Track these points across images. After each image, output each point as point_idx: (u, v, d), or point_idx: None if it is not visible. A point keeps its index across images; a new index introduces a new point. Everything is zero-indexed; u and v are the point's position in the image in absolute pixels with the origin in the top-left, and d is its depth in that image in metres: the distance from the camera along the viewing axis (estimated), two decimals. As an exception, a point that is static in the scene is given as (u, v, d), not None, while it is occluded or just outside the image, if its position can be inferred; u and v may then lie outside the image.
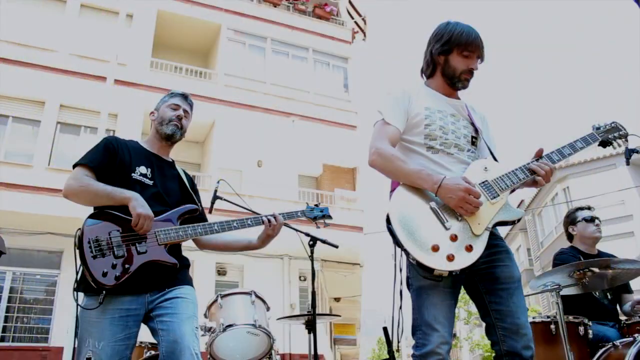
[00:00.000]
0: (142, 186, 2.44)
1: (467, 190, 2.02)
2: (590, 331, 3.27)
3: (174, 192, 2.57)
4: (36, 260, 11.76)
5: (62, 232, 10.65)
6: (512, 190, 2.21)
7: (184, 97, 2.73)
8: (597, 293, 3.67)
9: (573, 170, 23.06)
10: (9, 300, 11.49)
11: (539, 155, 2.25)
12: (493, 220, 2.10)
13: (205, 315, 3.90)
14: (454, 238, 2.02)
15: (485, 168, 2.21)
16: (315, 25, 16.38)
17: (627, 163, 2.88)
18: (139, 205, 2.28)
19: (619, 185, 19.17)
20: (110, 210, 2.31)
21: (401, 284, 2.24)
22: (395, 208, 2.08)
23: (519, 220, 2.18)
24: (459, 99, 2.42)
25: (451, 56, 2.31)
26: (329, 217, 2.93)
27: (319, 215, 2.90)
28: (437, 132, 2.25)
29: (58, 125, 12.66)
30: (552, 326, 3.22)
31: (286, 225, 3.54)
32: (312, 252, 3.49)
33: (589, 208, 3.95)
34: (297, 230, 3.52)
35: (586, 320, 3.28)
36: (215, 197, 3.19)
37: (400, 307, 2.22)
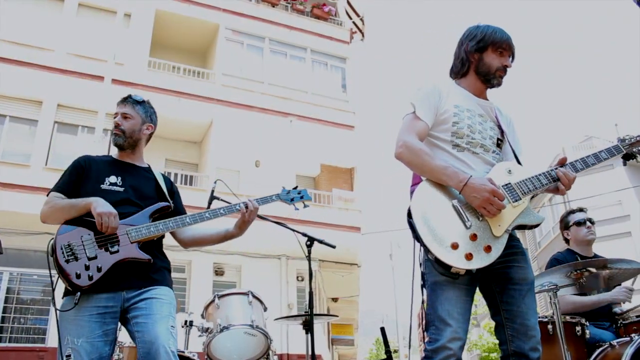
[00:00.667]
0: (113, 194, 2.50)
1: (492, 192, 2.05)
2: (587, 331, 3.27)
3: (148, 195, 2.60)
4: (33, 261, 11.72)
5: (60, 232, 10.60)
6: (534, 195, 2.22)
7: (124, 99, 2.74)
8: (593, 293, 3.67)
9: (570, 171, 23.06)
10: (6, 300, 11.46)
11: (561, 163, 2.27)
12: (514, 223, 2.12)
13: (202, 316, 3.90)
14: (473, 237, 2.04)
15: (509, 171, 2.23)
16: (314, 25, 16.37)
17: (624, 163, 2.88)
18: (98, 205, 2.34)
19: (617, 186, 19.21)
20: (82, 217, 2.38)
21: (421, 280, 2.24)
22: (418, 203, 2.10)
23: (538, 224, 2.19)
24: (487, 99, 2.44)
25: (486, 54, 2.35)
26: (308, 198, 2.89)
27: (296, 197, 2.86)
28: (464, 130, 2.26)
29: (55, 124, 12.64)
30: (550, 326, 3.22)
31: (283, 225, 3.54)
32: (309, 252, 3.49)
33: (580, 210, 3.95)
34: (294, 230, 3.51)
35: (583, 321, 3.29)
36: (212, 197, 3.18)
37: (423, 302, 2.21)
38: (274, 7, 16.09)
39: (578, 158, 2.31)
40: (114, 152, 2.74)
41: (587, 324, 3.31)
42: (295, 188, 2.92)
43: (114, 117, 2.68)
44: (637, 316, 3.36)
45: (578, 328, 3.25)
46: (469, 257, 2.00)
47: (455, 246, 2.01)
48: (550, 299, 3.11)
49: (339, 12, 17.72)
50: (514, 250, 2.20)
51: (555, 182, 2.22)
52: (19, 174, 11.47)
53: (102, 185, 2.51)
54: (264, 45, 15.42)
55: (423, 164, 2.15)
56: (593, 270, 3.07)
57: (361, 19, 18.61)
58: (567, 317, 3.27)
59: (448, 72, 2.52)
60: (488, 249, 2.04)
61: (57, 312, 2.30)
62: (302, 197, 2.87)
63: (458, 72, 2.44)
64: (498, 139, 2.37)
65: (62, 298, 2.36)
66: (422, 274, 2.22)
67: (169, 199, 2.63)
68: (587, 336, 3.26)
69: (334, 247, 3.49)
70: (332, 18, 17.18)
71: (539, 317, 3.32)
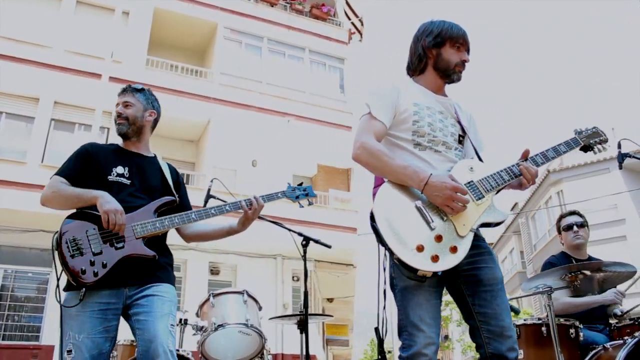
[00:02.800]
0: (120, 186, 2.48)
1: (454, 189, 2.01)
2: (581, 334, 3.29)
3: (154, 187, 2.58)
4: (28, 258, 11.70)
5: (55, 229, 10.54)
6: (497, 192, 2.19)
7: (123, 90, 2.72)
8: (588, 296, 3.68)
9: (567, 174, 23.17)
10: (0, 298, 11.43)
11: (525, 157, 2.25)
12: (478, 221, 2.08)
13: (197, 314, 3.90)
14: (438, 238, 2.00)
15: (471, 168, 2.20)
16: (312, 26, 16.36)
17: (620, 167, 2.89)
18: (105, 202, 2.31)
19: (613, 189, 19.26)
20: (87, 210, 2.36)
21: (385, 283, 2.21)
22: (380, 206, 2.05)
23: (502, 222, 2.17)
24: (446, 96, 2.40)
25: (443, 49, 2.31)
26: (313, 195, 2.86)
27: (301, 194, 2.82)
28: (425, 128, 2.22)
29: (52, 122, 12.61)
30: (543, 328, 3.23)
31: (279, 225, 3.55)
32: (305, 252, 3.49)
33: (571, 214, 3.96)
34: (290, 230, 3.52)
35: (577, 323, 3.30)
36: (209, 196, 3.19)
37: (384, 307, 2.19)
38: (272, 6, 16.08)
39: (538, 152, 2.29)
40: (120, 141, 2.72)
41: (581, 326, 3.32)
42: (300, 185, 2.89)
43: (116, 108, 2.65)
44: (630, 319, 3.37)
45: (572, 330, 3.26)
46: (435, 259, 1.96)
47: (420, 248, 1.96)
48: (545, 301, 3.12)
49: (338, 13, 17.73)
50: (480, 250, 2.16)
51: (517, 177, 2.19)
52: (15, 171, 11.44)
53: (109, 177, 2.49)
54: (263, 45, 15.42)
55: (382, 165, 2.10)
56: (587, 273, 3.08)
57: (360, 20, 18.62)
58: (561, 320, 3.28)
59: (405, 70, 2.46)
60: (454, 249, 2.00)
61: (61, 307, 2.28)
62: (307, 195, 2.84)
63: (415, 69, 2.39)
64: (459, 136, 2.33)
65: (64, 291, 2.34)
66: (391, 279, 2.18)
67: (174, 191, 2.61)
68: (581, 338, 3.27)
69: (329, 247, 3.50)
70: (331, 18, 17.18)
71: (534, 320, 3.34)
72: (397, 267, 2.07)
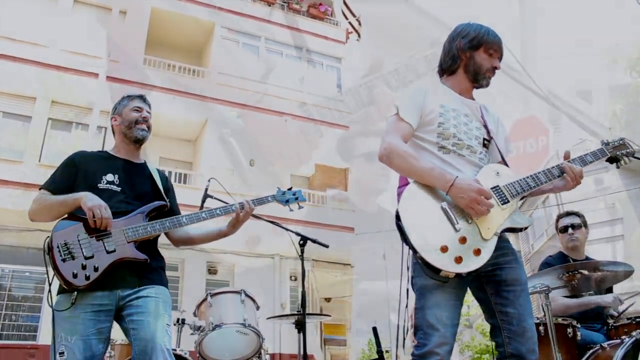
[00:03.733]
0: (110, 193, 2.48)
1: (479, 192, 2.03)
2: (578, 333, 3.29)
3: (145, 194, 2.58)
4: (25, 258, 11.66)
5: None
6: (522, 197, 2.21)
7: (143, 98, 2.73)
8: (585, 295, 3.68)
9: (564, 173, 23.14)
10: (-2, 297, 11.41)
11: (565, 158, 2.28)
12: (502, 225, 2.10)
13: (194, 314, 3.90)
14: (462, 240, 2.01)
15: (497, 173, 2.22)
16: (310, 25, 16.37)
17: (617, 166, 2.90)
18: (87, 200, 2.31)
19: (610, 189, 19.27)
20: (77, 214, 2.36)
21: (408, 282, 2.23)
22: (406, 205, 2.07)
23: (527, 227, 2.18)
24: (473, 99, 2.41)
25: (477, 53, 2.32)
26: (303, 199, 2.89)
27: (291, 198, 2.85)
28: (450, 130, 2.23)
29: (49, 121, 12.58)
30: (541, 328, 3.23)
31: (277, 225, 3.55)
32: (302, 251, 3.49)
33: (567, 214, 3.97)
34: (287, 229, 3.51)
35: (575, 323, 3.30)
36: (206, 196, 3.18)
37: (407, 306, 2.22)
38: (270, 6, 16.07)
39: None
40: (109, 147, 2.73)
41: (579, 325, 3.32)
42: (290, 189, 2.91)
43: (139, 111, 2.65)
44: (627, 319, 3.38)
45: (569, 330, 3.26)
46: (458, 260, 1.97)
47: (444, 249, 1.97)
48: (542, 301, 3.12)
49: (335, 12, 17.73)
50: (504, 251, 2.18)
51: (556, 178, 2.22)
52: (12, 170, 11.42)
53: (99, 185, 2.48)
54: (260, 44, 15.41)
55: (408, 166, 2.12)
56: (585, 272, 3.09)
57: (357, 20, 18.61)
58: (559, 319, 3.28)
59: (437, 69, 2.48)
60: (477, 252, 2.01)
61: (53, 310, 2.27)
62: (296, 199, 2.86)
63: (447, 68, 2.40)
64: (484, 139, 2.33)
65: (57, 295, 2.34)
66: (411, 278, 2.20)
67: (164, 196, 2.61)
68: (578, 338, 3.27)
69: (327, 246, 3.49)
70: (328, 18, 17.18)
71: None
72: (419, 267, 2.08)
